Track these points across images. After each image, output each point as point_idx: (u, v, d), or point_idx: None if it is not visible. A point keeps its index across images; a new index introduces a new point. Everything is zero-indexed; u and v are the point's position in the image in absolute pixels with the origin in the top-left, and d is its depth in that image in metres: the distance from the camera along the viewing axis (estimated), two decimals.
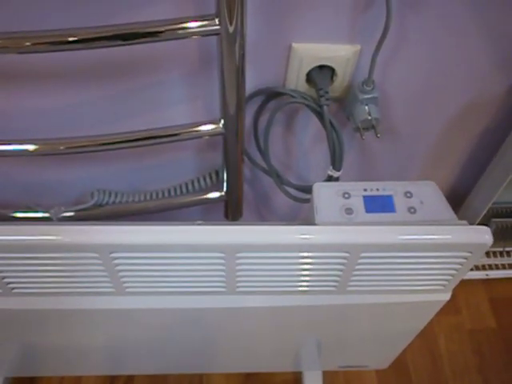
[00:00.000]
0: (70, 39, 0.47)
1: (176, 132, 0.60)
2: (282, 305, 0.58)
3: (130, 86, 0.60)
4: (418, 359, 0.94)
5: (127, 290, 0.55)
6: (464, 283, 0.99)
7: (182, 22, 0.48)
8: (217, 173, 0.72)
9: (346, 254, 0.50)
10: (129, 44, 0.48)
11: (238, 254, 0.49)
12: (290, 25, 0.55)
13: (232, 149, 0.63)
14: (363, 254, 0.50)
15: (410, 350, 0.94)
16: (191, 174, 0.73)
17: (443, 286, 0.56)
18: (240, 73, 0.53)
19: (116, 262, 0.50)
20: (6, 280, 0.53)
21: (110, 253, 0.49)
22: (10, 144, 0.60)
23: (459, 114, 0.65)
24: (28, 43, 0.47)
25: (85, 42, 0.48)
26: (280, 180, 0.70)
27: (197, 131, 0.60)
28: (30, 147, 0.60)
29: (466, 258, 0.51)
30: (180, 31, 0.48)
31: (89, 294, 0.56)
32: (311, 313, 0.61)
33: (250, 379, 0.91)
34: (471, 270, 0.95)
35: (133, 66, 0.58)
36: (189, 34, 0.48)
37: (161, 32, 0.48)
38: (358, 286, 0.55)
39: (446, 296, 0.59)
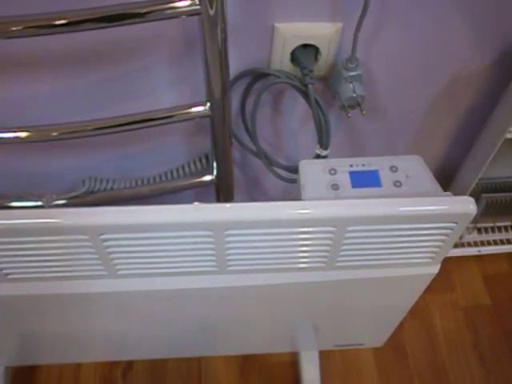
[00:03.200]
0: (55, 22, 0.48)
1: (163, 115, 0.60)
2: (273, 283, 0.59)
3: (116, 72, 0.60)
4: (413, 338, 0.95)
5: (119, 272, 0.56)
6: (457, 260, 1.01)
7: (163, 3, 0.48)
8: (207, 157, 0.73)
9: (333, 229, 0.50)
10: (113, 26, 0.48)
11: (227, 232, 0.50)
12: (272, 5, 0.55)
13: (219, 131, 0.64)
14: (350, 228, 0.50)
15: (405, 329, 0.95)
16: (182, 158, 0.73)
17: (431, 258, 0.57)
18: (223, 54, 0.53)
19: (106, 243, 0.51)
20: (0, 266, 0.53)
21: (100, 234, 0.49)
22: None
23: (444, 90, 0.65)
24: (13, 28, 0.48)
25: (69, 25, 0.48)
26: (269, 161, 0.70)
27: (184, 114, 0.61)
28: (22, 134, 0.60)
29: (451, 229, 0.52)
30: (161, 12, 0.48)
31: (81, 277, 0.57)
32: (303, 290, 0.62)
33: (248, 361, 0.92)
34: (463, 246, 0.97)
35: (118, 51, 0.58)
36: (170, 15, 0.49)
37: (143, 13, 0.48)
38: (346, 261, 0.56)
39: (435, 269, 0.59)
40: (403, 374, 0.92)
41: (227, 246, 0.52)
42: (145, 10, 0.48)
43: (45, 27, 0.48)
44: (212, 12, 0.48)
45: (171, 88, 0.63)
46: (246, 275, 0.58)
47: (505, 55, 0.63)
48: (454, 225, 0.51)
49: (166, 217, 0.48)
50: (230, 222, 0.49)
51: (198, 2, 0.48)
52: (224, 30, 0.51)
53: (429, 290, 0.69)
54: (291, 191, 0.84)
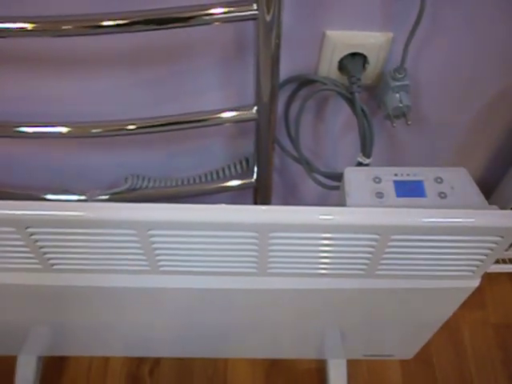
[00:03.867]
0: (108, 23, 0.49)
1: (210, 117, 0.62)
2: (311, 287, 0.59)
3: (166, 72, 0.62)
4: (442, 352, 0.94)
5: (161, 268, 0.57)
6: (490, 277, 0.99)
7: (220, 7, 0.49)
8: (247, 160, 0.74)
9: (377, 236, 0.51)
10: (171, 28, 0.50)
11: (271, 234, 0.50)
12: (324, 12, 0.56)
13: (264, 135, 0.64)
14: (394, 237, 0.50)
15: (434, 343, 0.94)
16: (222, 160, 0.74)
17: (472, 272, 0.57)
18: (275, 60, 0.54)
19: (153, 239, 0.52)
20: (47, 256, 0.55)
21: (148, 230, 0.50)
22: (45, 126, 0.62)
23: (490, 103, 0.65)
24: (65, 27, 0.49)
25: (128, 25, 0.49)
26: (310, 167, 0.71)
27: (230, 117, 0.62)
28: (63, 130, 0.63)
29: (496, 243, 0.52)
30: (219, 16, 0.50)
31: (124, 271, 0.58)
32: (339, 297, 0.62)
33: (274, 366, 0.92)
34: (497, 262, 0.95)
35: (170, 53, 0.60)
36: (227, 19, 0.50)
37: (199, 16, 0.49)
38: (386, 269, 0.56)
39: (475, 283, 0.59)
40: None
41: (270, 248, 0.53)
42: (203, 13, 0.49)
43: (96, 27, 0.49)
44: (268, 18, 0.49)
45: (218, 90, 0.65)
46: (285, 278, 0.58)
47: None
48: (500, 239, 0.51)
49: (216, 216, 0.49)
50: (276, 224, 0.49)
51: (255, 8, 0.49)
52: (278, 36, 0.52)
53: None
54: (327, 198, 0.84)
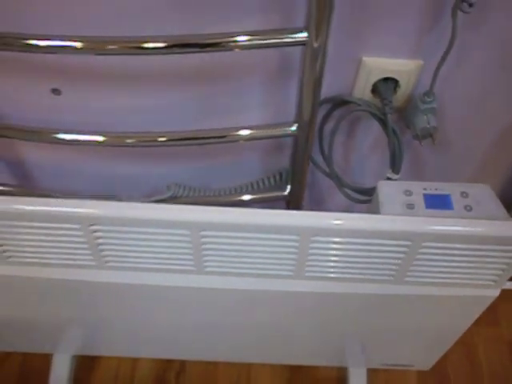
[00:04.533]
0: (160, 45, 0.55)
1: (254, 132, 0.68)
2: (344, 291, 0.64)
3: (213, 91, 0.68)
4: (457, 366, 0.98)
5: (207, 269, 0.62)
6: (504, 294, 1.03)
7: (273, 33, 0.56)
8: (281, 174, 0.79)
9: (409, 243, 0.55)
10: (225, 50, 0.56)
11: (313, 238, 0.55)
12: (362, 39, 0.62)
13: (301, 151, 0.70)
14: (425, 244, 0.55)
15: (450, 357, 0.98)
16: (257, 174, 0.80)
17: (494, 281, 0.61)
18: (318, 82, 0.60)
19: (203, 240, 0.57)
20: (104, 253, 0.60)
21: (200, 231, 0.55)
22: (82, 134, 0.68)
23: (510, 126, 0.71)
24: (130, 45, 0.56)
25: (186, 46, 0.56)
26: (340, 182, 0.76)
27: (272, 133, 0.68)
28: (98, 138, 0.69)
29: None
30: (271, 41, 0.56)
31: (170, 270, 0.63)
32: (366, 302, 0.66)
33: (296, 374, 0.95)
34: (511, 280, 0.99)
35: (218, 72, 0.66)
36: (279, 44, 0.56)
37: (254, 41, 0.56)
38: (415, 276, 0.61)
39: (496, 292, 0.64)
40: None
41: (310, 251, 0.57)
42: (258, 38, 0.55)
43: (155, 48, 0.56)
44: (316, 44, 0.55)
45: (258, 109, 0.70)
46: (321, 282, 0.63)
47: None
48: None
49: (263, 219, 0.54)
50: (318, 228, 0.54)
51: (306, 35, 0.55)
52: (323, 61, 0.57)
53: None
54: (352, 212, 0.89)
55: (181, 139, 0.68)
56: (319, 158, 0.76)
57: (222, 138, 0.69)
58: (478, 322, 0.96)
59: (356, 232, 0.54)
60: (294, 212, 0.55)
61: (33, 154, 0.79)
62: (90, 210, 0.54)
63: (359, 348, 0.82)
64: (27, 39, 0.55)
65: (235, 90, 0.67)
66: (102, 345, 0.89)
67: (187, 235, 0.56)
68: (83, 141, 0.69)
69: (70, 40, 0.56)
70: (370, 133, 0.74)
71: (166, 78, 0.66)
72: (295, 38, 0.55)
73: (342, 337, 0.79)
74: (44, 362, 0.92)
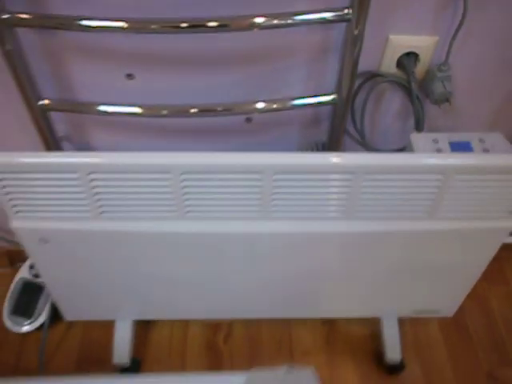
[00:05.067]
0: (213, 24, 0.67)
1: (297, 101, 0.80)
2: (385, 229, 0.75)
3: (261, 69, 0.81)
4: (475, 318, 1.09)
5: (274, 214, 0.73)
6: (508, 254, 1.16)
7: (321, 11, 0.69)
8: (317, 146, 0.92)
9: (441, 177, 0.67)
10: (279, 27, 0.69)
11: (366, 176, 0.67)
12: (389, 20, 0.75)
13: (338, 120, 0.82)
14: (457, 177, 0.67)
15: (467, 310, 1.09)
16: (296, 146, 0.92)
17: (509, 212, 0.74)
18: (356, 56, 0.73)
19: (276, 183, 0.68)
20: (185, 203, 0.71)
21: (274, 174, 0.67)
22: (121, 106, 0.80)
23: None
24: (183, 24, 0.67)
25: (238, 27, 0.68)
26: (371, 149, 0.89)
27: (314, 102, 0.80)
28: (138, 110, 0.80)
29: None
30: (319, 17, 0.69)
31: (237, 218, 0.74)
32: (403, 240, 0.78)
33: (332, 331, 1.06)
34: None
35: (266, 54, 0.78)
36: (327, 21, 0.69)
37: (303, 18, 0.69)
38: (446, 211, 0.72)
39: (511, 223, 0.76)
40: (468, 348, 1.05)
41: (362, 190, 0.69)
42: (306, 17, 0.68)
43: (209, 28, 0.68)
44: (358, 21, 0.68)
45: (301, 84, 0.83)
46: (364, 222, 0.75)
47: None
48: None
49: (321, 161, 0.66)
50: (370, 166, 0.66)
51: (348, 12, 0.68)
52: (362, 36, 0.71)
53: (484, 279, 0.86)
54: None
55: (229, 110, 0.80)
56: (351, 129, 0.89)
57: (271, 105, 0.81)
58: (489, 281, 1.09)
59: (397, 168, 0.66)
60: (348, 154, 0.67)
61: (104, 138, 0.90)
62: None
63: (392, 297, 0.93)
64: (79, 20, 0.66)
65: (280, 69, 0.80)
66: (155, 310, 0.98)
67: (258, 179, 0.68)
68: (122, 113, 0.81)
69: (117, 21, 0.67)
70: (394, 103, 0.87)
71: (219, 60, 0.79)
72: (341, 15, 0.68)
73: (376, 286, 0.90)
74: (103, 331, 1.02)
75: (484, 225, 0.75)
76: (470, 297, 0.92)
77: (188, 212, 0.72)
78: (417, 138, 0.74)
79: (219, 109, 0.80)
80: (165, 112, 0.81)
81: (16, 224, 0.74)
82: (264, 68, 0.81)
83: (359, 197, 0.70)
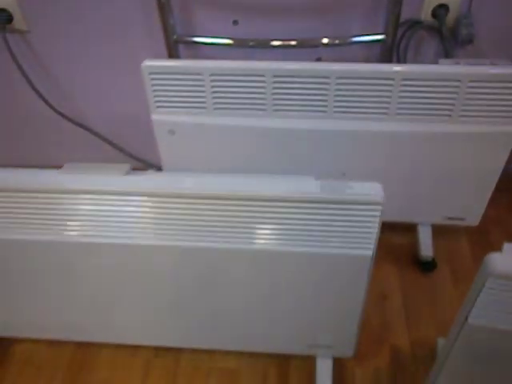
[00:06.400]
0: None
1: (353, 39, 1.10)
2: (412, 130, 1.02)
3: (324, 20, 1.11)
4: (496, 225, 1.31)
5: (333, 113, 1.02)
6: None
7: None
8: None
9: (458, 83, 0.94)
10: None
11: (405, 82, 0.95)
12: None
13: (386, 59, 1.11)
14: (470, 84, 0.93)
15: (489, 218, 1.31)
16: None
17: None
18: (400, 4, 1.02)
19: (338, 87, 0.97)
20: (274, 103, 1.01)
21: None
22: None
23: None
24: None
25: None
26: None
27: (368, 40, 1.10)
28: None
29: None
30: None
31: (309, 117, 1.03)
32: (429, 141, 1.04)
33: None
34: None
35: (331, 7, 1.09)
36: None
37: None
38: (466, 116, 0.98)
39: None
40: None
41: (402, 94, 0.97)
42: None
43: None
44: None
45: (360, 30, 1.13)
46: (409, 123, 1.02)
47: None
48: None
49: (378, 68, 0.95)
50: (412, 72, 0.94)
51: None
52: None
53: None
54: None
55: (302, 43, 1.10)
56: None
57: (334, 41, 1.11)
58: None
59: (426, 74, 0.93)
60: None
61: None
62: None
63: (425, 202, 1.18)
64: None
65: (340, 19, 1.10)
66: None
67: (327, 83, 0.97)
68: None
69: None
70: (430, 47, 1.15)
71: (298, 10, 1.10)
72: None
73: (411, 188, 1.15)
74: None
75: (496, 129, 1.00)
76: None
77: (276, 110, 1.03)
78: (444, 61, 1.00)
79: (293, 43, 1.11)
80: (252, 43, 1.12)
81: (155, 117, 1.07)
82: (328, 17, 1.11)
83: (399, 100, 0.98)
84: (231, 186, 0.74)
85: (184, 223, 0.77)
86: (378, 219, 0.73)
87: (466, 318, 0.70)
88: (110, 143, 1.39)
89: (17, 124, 1.40)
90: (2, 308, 1.00)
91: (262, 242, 0.77)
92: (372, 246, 0.76)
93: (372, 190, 0.72)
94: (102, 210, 0.77)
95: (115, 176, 0.76)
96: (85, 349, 1.13)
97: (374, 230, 0.74)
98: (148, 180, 0.76)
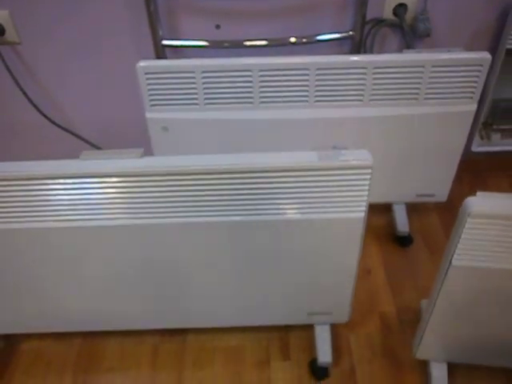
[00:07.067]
0: None
1: (324, 37, 1.22)
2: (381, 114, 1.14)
3: (297, 21, 1.23)
4: None
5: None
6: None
7: None
8: None
9: (422, 69, 1.07)
10: None
11: (376, 70, 1.07)
12: None
13: (355, 53, 1.24)
14: (433, 69, 1.07)
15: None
16: None
17: (471, 97, 1.12)
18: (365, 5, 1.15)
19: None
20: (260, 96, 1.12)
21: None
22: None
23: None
24: None
25: None
26: None
27: (336, 37, 1.22)
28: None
29: (479, 71, 1.08)
30: None
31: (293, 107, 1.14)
32: (394, 124, 1.16)
33: None
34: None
35: (300, 9, 1.21)
36: None
37: None
38: (430, 98, 1.11)
39: (473, 107, 1.14)
40: None
41: (374, 81, 1.09)
42: None
43: None
44: None
45: (331, 28, 1.25)
46: (381, 108, 1.14)
47: None
48: (480, 67, 1.07)
49: (348, 59, 1.07)
50: (381, 61, 1.06)
51: None
52: None
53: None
54: None
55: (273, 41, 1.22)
56: None
57: (301, 40, 1.23)
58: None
59: (393, 63, 1.06)
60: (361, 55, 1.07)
61: None
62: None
63: (397, 182, 1.30)
64: None
65: (312, 19, 1.23)
66: None
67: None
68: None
69: None
70: (393, 42, 1.28)
71: (271, 13, 1.22)
72: None
73: (385, 175, 1.28)
74: None
75: (456, 108, 1.14)
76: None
77: (262, 103, 1.13)
78: (408, 51, 1.14)
79: (264, 43, 1.22)
80: (227, 44, 1.23)
81: (149, 115, 1.15)
82: (301, 18, 1.23)
83: (372, 87, 1.10)
84: (246, 159, 0.82)
85: (193, 199, 0.85)
86: (368, 182, 0.83)
87: (450, 262, 0.81)
88: (101, 149, 1.46)
89: (7, 132, 1.45)
90: (4, 305, 1.04)
91: (265, 212, 0.86)
92: (364, 209, 0.86)
93: (361, 155, 0.82)
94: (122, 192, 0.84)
95: (132, 159, 0.84)
96: (92, 340, 1.18)
97: (365, 192, 0.85)
98: (164, 160, 0.84)
